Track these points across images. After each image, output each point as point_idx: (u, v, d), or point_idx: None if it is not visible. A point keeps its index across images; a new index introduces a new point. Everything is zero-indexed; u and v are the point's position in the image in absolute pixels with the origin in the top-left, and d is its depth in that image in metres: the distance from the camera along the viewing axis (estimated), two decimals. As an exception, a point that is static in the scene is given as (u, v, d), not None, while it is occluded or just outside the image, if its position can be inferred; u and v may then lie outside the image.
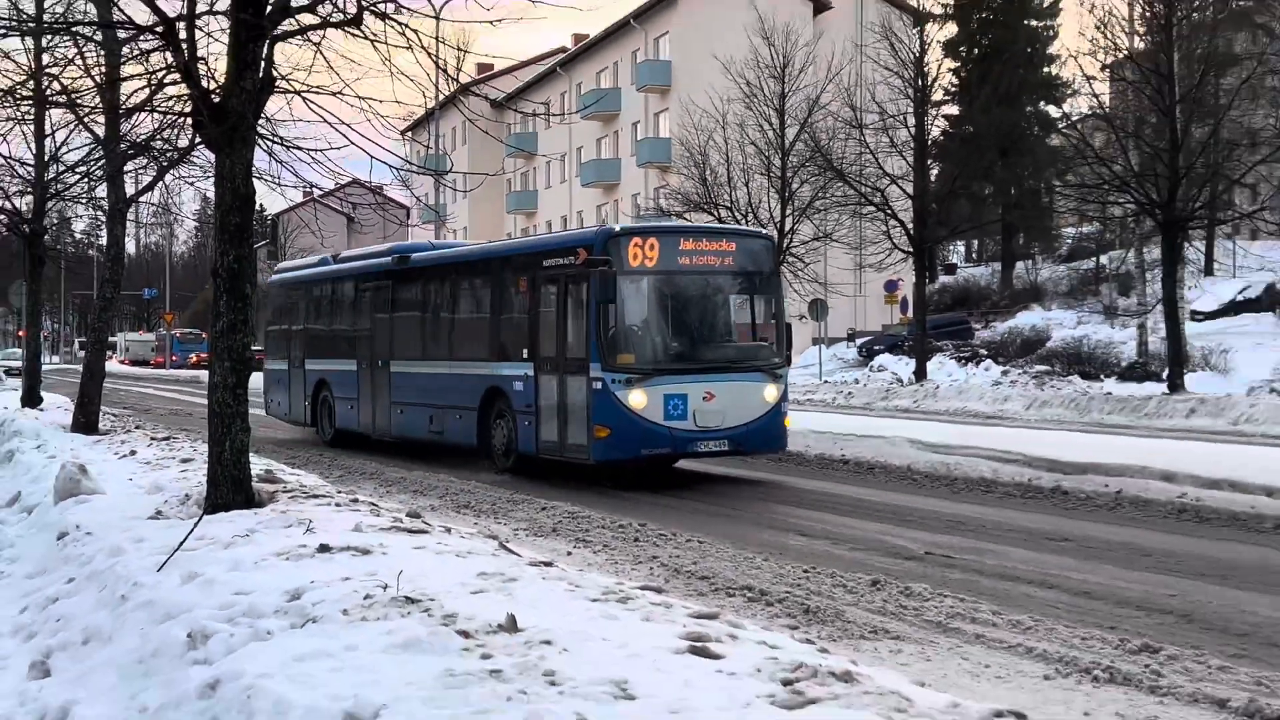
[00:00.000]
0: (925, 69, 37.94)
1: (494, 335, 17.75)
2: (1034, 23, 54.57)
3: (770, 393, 15.85)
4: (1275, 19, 38.90)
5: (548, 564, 7.37)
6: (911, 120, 36.66)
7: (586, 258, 14.94)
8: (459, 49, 12.31)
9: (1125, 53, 31.87)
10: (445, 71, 10.57)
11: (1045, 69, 53.10)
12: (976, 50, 53.26)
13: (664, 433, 15.01)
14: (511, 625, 5.32)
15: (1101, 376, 36.60)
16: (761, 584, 9.22)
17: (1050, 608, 8.44)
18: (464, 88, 18.33)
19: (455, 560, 7.04)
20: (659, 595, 6.57)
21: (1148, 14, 31.03)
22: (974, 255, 63.31)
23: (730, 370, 15.72)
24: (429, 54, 9.85)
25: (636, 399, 14.84)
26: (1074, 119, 36.88)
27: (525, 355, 16.45)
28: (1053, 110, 49.93)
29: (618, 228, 16.19)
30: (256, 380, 12.77)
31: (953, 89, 52.57)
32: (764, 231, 17.78)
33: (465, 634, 5.21)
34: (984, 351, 42.46)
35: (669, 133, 53.99)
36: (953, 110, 53.49)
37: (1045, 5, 54.74)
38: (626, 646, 5.06)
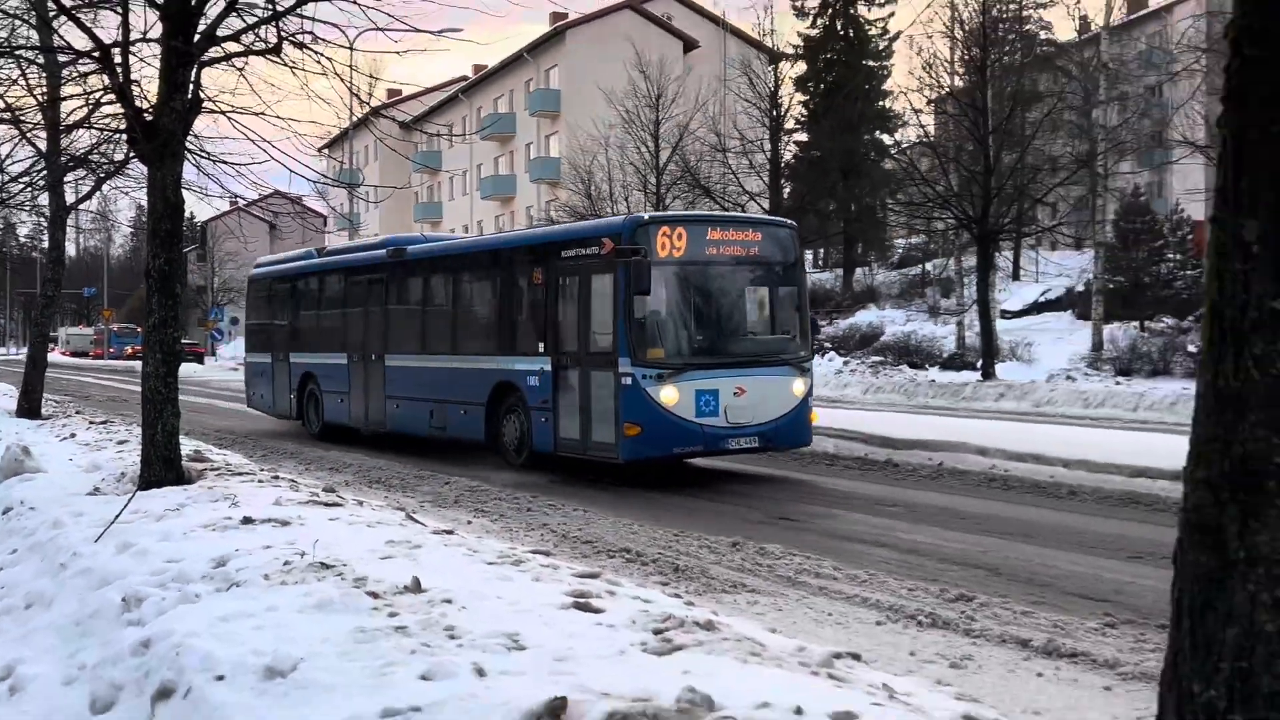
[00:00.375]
0: (779, 101, 38.34)
1: (504, 329, 15.40)
2: (871, 63, 55.32)
3: (798, 387, 13.91)
4: (1072, 63, 40.16)
5: (449, 532, 7.31)
6: (767, 145, 36.99)
7: (615, 247, 12.89)
8: (370, 76, 12.27)
9: (947, 90, 32.64)
10: (358, 96, 10.48)
11: (880, 103, 53.81)
12: (822, 85, 53.76)
13: (696, 430, 13.10)
14: (416, 587, 5.26)
15: (926, 366, 37.31)
16: (638, 547, 9.25)
17: (883, 564, 8.60)
18: (375, 110, 18.25)
19: (366, 530, 6.94)
20: (548, 558, 6.55)
21: (966, 57, 31.81)
22: (820, 262, 64.12)
23: (760, 364, 13.74)
24: (343, 80, 9.77)
25: (668, 395, 12.87)
26: (904, 146, 37.56)
27: (541, 349, 14.27)
28: (886, 138, 50.63)
29: (646, 216, 13.99)
30: (186, 370, 12.41)
31: (802, 119, 53.04)
32: (789, 220, 15.89)
33: (375, 595, 5.13)
34: (828, 345, 42.97)
35: (559, 153, 53.75)
36: (803, 137, 54.01)
37: (880, 48, 55.61)
38: (518, 604, 5.03)
